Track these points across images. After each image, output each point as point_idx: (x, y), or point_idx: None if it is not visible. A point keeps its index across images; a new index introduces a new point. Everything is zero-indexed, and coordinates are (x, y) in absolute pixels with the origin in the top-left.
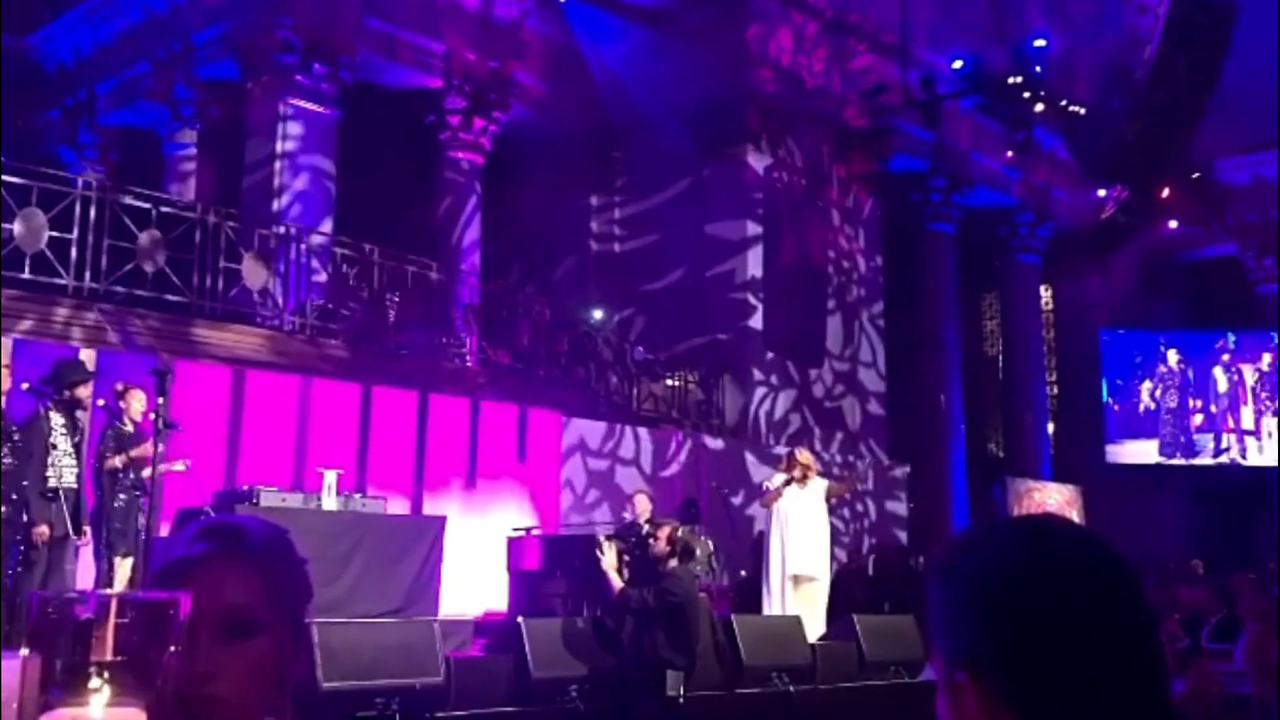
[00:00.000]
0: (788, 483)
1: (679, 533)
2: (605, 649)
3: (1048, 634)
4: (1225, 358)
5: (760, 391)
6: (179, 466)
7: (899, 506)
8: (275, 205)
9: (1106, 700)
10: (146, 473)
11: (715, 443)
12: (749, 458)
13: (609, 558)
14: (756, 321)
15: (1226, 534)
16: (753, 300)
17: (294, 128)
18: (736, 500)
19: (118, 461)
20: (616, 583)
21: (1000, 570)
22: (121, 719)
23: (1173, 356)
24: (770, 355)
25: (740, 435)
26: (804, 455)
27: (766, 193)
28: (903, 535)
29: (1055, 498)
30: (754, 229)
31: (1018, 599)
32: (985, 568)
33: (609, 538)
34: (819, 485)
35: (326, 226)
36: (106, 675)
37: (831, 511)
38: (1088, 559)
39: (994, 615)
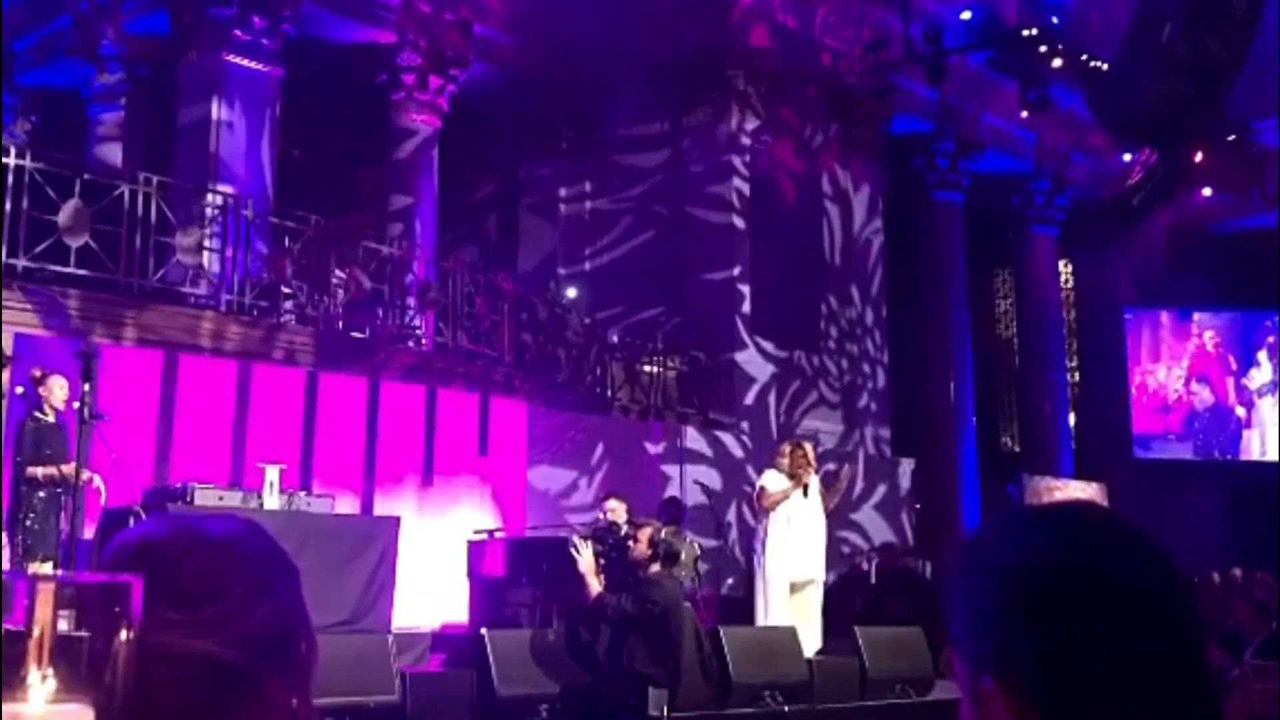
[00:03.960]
0: (797, 485)
1: (661, 534)
2: (579, 663)
3: (1085, 634)
4: (1270, 340)
5: (746, 379)
6: (96, 482)
7: (904, 506)
8: (211, 173)
9: (1149, 708)
10: (68, 469)
11: (698, 436)
12: (737, 453)
13: (586, 557)
14: (743, 301)
15: (1269, 539)
16: (738, 277)
17: (231, 87)
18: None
19: (39, 473)
20: (595, 586)
21: (1032, 563)
22: (66, 717)
23: (1209, 339)
24: (758, 339)
25: (726, 427)
26: (810, 452)
27: (753, 158)
28: (909, 538)
29: (1077, 497)
30: (740, 198)
31: (1052, 596)
32: (1016, 560)
33: (584, 539)
34: (815, 484)
35: (267, 196)
36: (48, 669)
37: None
38: (1130, 551)
39: (1026, 614)
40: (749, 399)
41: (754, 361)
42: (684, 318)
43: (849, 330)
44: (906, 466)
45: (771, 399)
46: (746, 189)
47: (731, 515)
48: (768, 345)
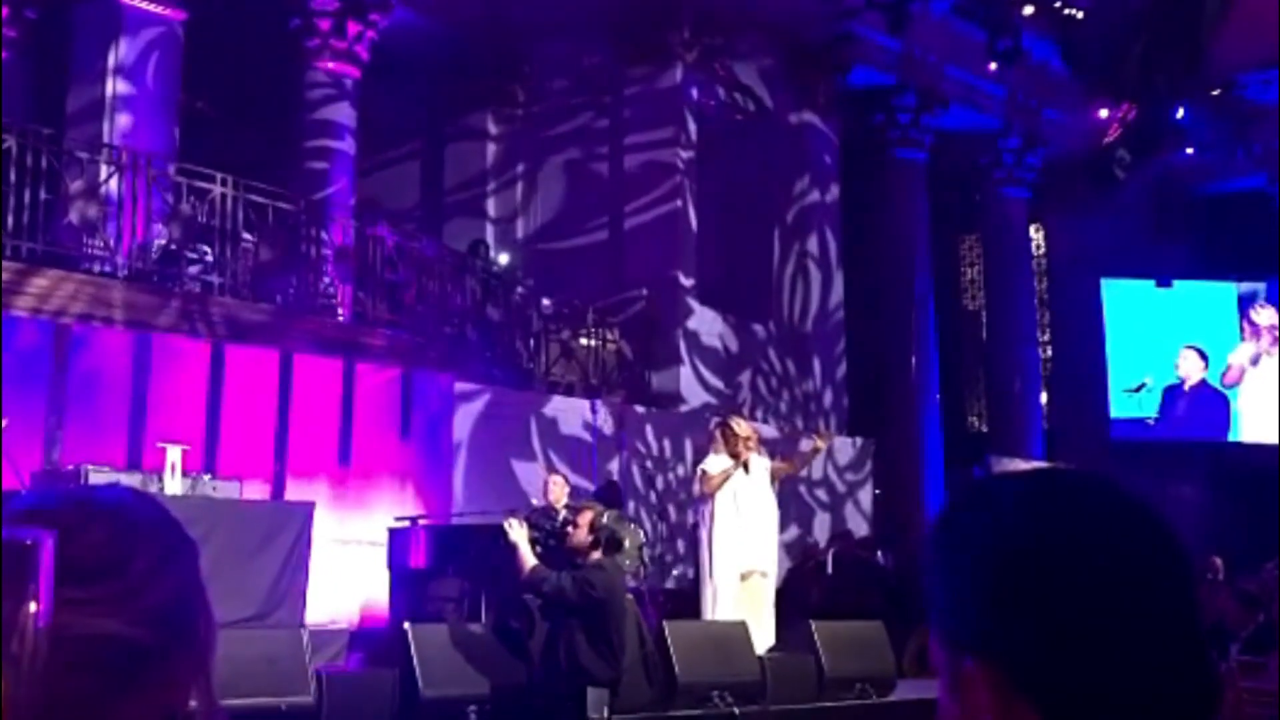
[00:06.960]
0: (737, 465)
1: (603, 519)
2: (511, 659)
3: (1074, 610)
4: (1258, 309)
5: (691, 352)
6: None
7: (862, 492)
8: (107, 126)
9: (1145, 689)
10: None
11: (640, 413)
12: (681, 431)
13: (520, 531)
14: (687, 268)
15: (1254, 525)
16: (683, 242)
17: (130, 32)
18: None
19: None
20: (529, 560)
21: (1016, 533)
22: None
23: (1192, 310)
24: (704, 309)
25: (669, 404)
26: (741, 426)
27: (700, 113)
28: (867, 525)
29: None
30: (685, 157)
31: (1037, 569)
32: (997, 531)
33: (520, 521)
34: (761, 462)
35: (170, 152)
36: None
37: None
38: (1124, 521)
39: (1009, 589)
40: (691, 373)
41: (697, 332)
42: (623, 283)
43: (803, 299)
44: (866, 448)
45: (717, 372)
46: (692, 148)
47: (614, 466)
48: (714, 315)
